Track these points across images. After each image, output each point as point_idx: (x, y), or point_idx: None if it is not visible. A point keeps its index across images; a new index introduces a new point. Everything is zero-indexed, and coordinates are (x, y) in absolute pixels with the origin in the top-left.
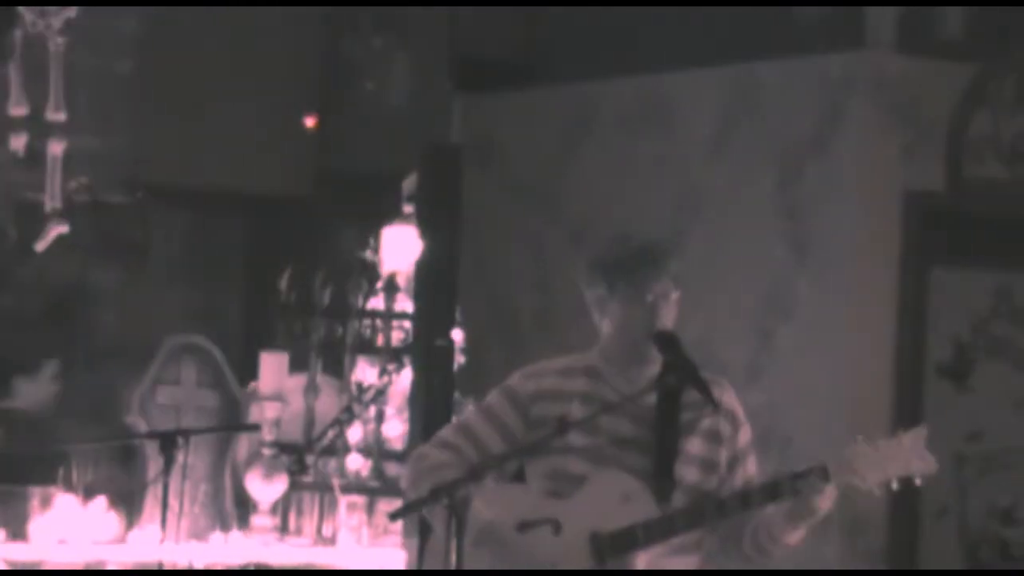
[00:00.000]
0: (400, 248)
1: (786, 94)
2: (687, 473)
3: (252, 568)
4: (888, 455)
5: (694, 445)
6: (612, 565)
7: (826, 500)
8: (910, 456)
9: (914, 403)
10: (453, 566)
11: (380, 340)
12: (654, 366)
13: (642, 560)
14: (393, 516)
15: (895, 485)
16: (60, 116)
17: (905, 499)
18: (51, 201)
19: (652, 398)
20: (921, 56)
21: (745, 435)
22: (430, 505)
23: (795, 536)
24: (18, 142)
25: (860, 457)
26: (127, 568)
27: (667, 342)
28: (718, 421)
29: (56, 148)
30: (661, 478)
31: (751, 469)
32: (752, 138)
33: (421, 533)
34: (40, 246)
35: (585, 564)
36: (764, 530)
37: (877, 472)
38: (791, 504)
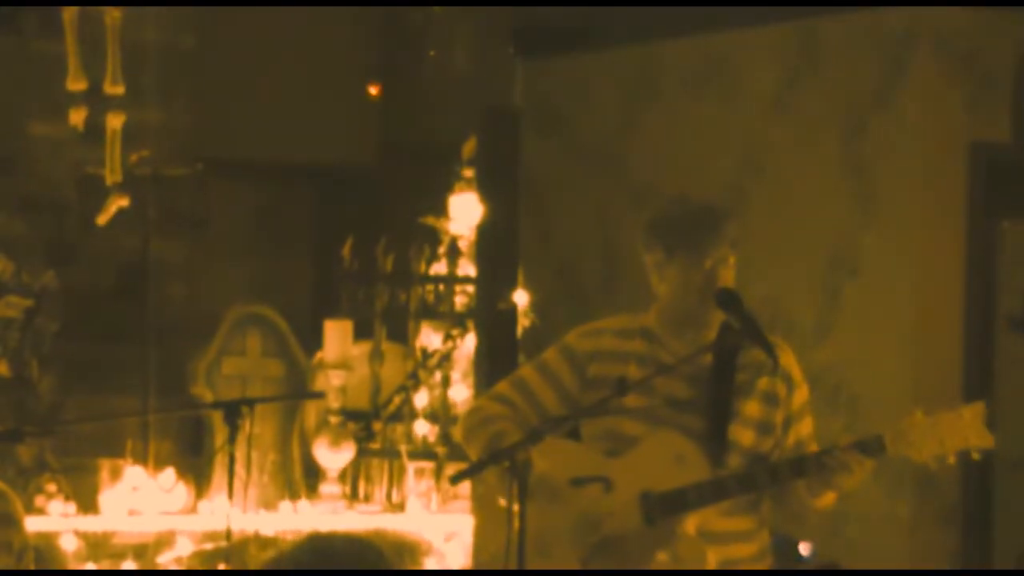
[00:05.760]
0: (462, 213)
1: (848, 49)
2: (742, 436)
3: None
4: (946, 429)
5: (750, 407)
6: (662, 526)
7: (866, 471)
8: (968, 430)
9: (984, 357)
10: (514, 525)
11: (444, 305)
12: (710, 330)
13: (692, 522)
14: (455, 479)
15: (951, 459)
16: (118, 89)
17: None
18: (112, 175)
19: (708, 360)
20: (983, 6)
21: (800, 396)
22: (491, 467)
23: (825, 500)
24: (78, 117)
25: (918, 429)
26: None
27: (729, 300)
28: (775, 382)
29: (115, 122)
30: (716, 440)
31: (804, 431)
32: (815, 95)
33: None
34: (102, 219)
35: (635, 523)
36: (792, 496)
37: (934, 445)
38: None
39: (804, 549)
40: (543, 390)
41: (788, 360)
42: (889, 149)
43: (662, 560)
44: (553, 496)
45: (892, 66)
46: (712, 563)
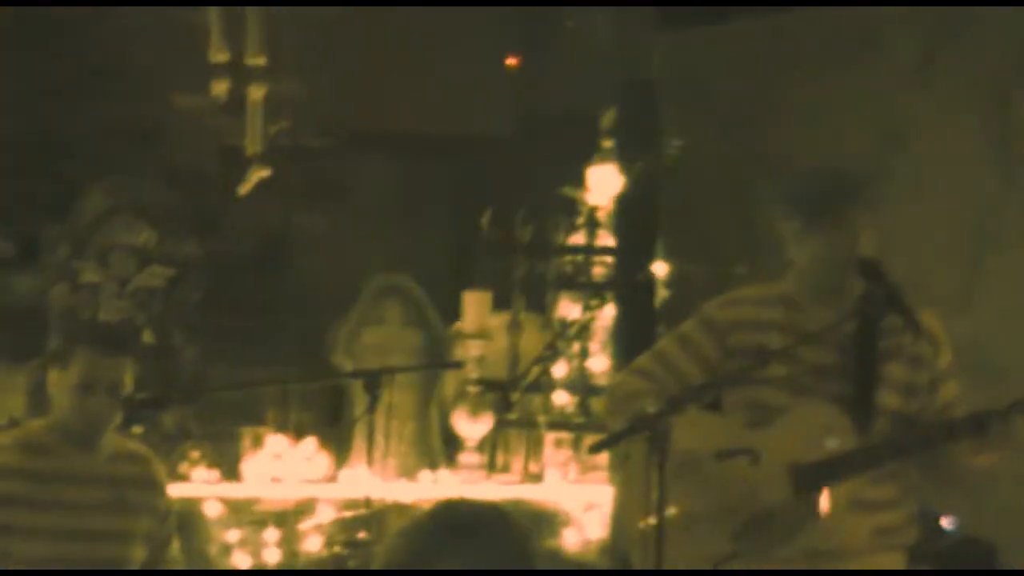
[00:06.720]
0: (601, 184)
1: (990, 18)
2: (889, 399)
3: None
4: None
5: (895, 370)
6: (811, 497)
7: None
8: None
9: None
10: (654, 497)
11: (583, 276)
12: (851, 294)
13: (843, 491)
14: (593, 449)
15: None
16: (260, 61)
17: None
18: (252, 146)
19: (850, 326)
20: None
21: (946, 357)
22: (631, 437)
23: (987, 459)
24: (220, 88)
25: None
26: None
27: (872, 270)
28: (919, 344)
29: (256, 93)
30: (862, 406)
31: (950, 393)
32: (958, 65)
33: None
34: (243, 190)
35: (783, 495)
36: (948, 458)
37: None
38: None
39: (947, 522)
40: (685, 363)
41: (932, 323)
42: None
43: (812, 532)
44: (697, 471)
45: None
46: (862, 533)
